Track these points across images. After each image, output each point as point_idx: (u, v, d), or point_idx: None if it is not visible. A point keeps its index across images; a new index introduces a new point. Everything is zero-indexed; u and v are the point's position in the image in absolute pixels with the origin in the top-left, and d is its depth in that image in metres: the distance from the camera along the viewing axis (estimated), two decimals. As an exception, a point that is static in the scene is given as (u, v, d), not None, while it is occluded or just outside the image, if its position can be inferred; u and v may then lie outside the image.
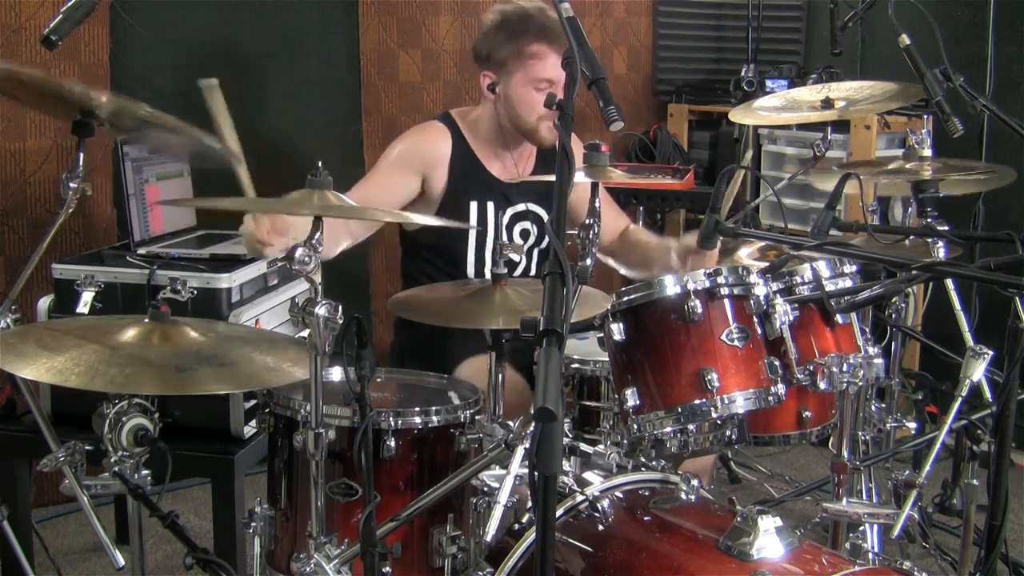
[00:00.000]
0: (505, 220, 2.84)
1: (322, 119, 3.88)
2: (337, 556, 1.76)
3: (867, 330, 2.35)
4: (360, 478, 1.69)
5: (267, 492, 2.07)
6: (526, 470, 1.61)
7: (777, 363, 2.00)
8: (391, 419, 1.93)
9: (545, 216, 2.87)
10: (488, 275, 2.79)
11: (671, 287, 1.96)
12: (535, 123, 2.74)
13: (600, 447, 2.07)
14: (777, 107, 2.96)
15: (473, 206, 2.81)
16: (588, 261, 1.87)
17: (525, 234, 2.89)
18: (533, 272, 2.88)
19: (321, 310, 1.66)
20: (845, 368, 2.05)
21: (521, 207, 2.87)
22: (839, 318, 2.10)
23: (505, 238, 2.82)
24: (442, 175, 2.80)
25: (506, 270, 2.13)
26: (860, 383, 2.09)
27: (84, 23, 2.04)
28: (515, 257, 2.82)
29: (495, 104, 2.77)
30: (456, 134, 2.83)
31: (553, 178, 1.48)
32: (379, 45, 3.97)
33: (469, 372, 2.57)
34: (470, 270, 2.82)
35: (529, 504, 1.94)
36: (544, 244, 2.89)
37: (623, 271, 2.93)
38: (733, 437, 2.12)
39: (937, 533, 3.07)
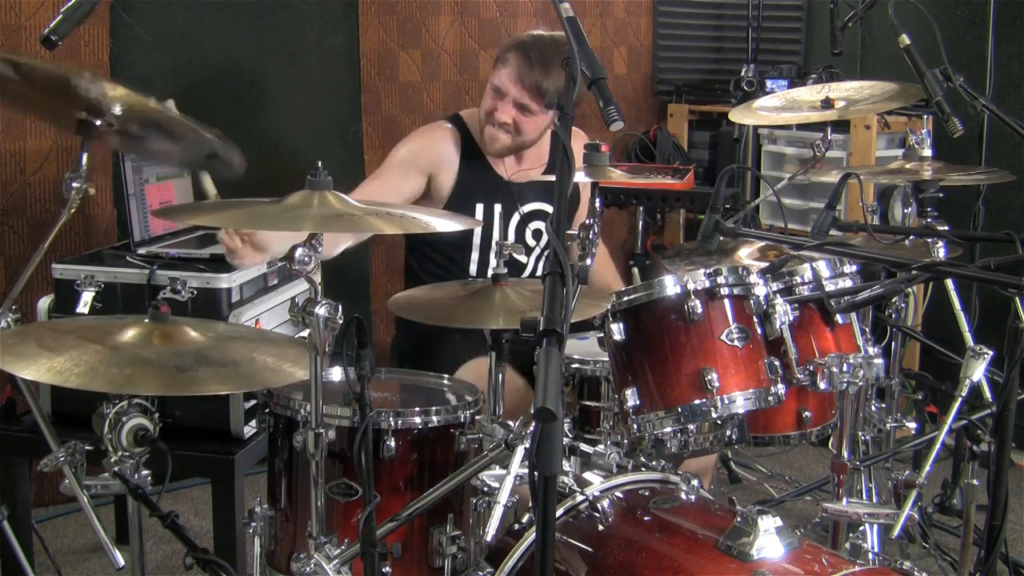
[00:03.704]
0: (515, 222, 2.84)
1: (322, 119, 3.88)
2: (337, 556, 1.76)
3: (867, 330, 2.34)
4: (360, 478, 1.69)
5: (267, 492, 2.07)
6: (526, 470, 1.61)
7: (777, 363, 2.00)
8: (391, 419, 1.93)
9: None
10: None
11: (671, 287, 1.96)
12: (483, 123, 2.78)
13: (600, 447, 2.07)
14: (777, 107, 2.96)
15: (479, 208, 2.81)
16: (588, 261, 1.87)
17: (537, 234, 2.89)
18: (540, 273, 2.88)
19: (321, 310, 1.66)
20: (845, 368, 2.05)
21: (532, 207, 2.87)
22: (839, 318, 2.10)
23: (513, 240, 2.82)
24: (449, 176, 2.80)
25: (506, 270, 2.13)
26: (860, 383, 2.09)
27: (84, 23, 2.03)
28: (520, 258, 2.82)
29: None
30: (464, 135, 2.84)
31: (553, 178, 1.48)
32: (379, 45, 3.97)
33: (470, 374, 2.57)
34: (473, 270, 2.82)
35: (529, 504, 1.94)
36: None
37: None
38: (733, 437, 2.12)
39: (937, 533, 3.07)
